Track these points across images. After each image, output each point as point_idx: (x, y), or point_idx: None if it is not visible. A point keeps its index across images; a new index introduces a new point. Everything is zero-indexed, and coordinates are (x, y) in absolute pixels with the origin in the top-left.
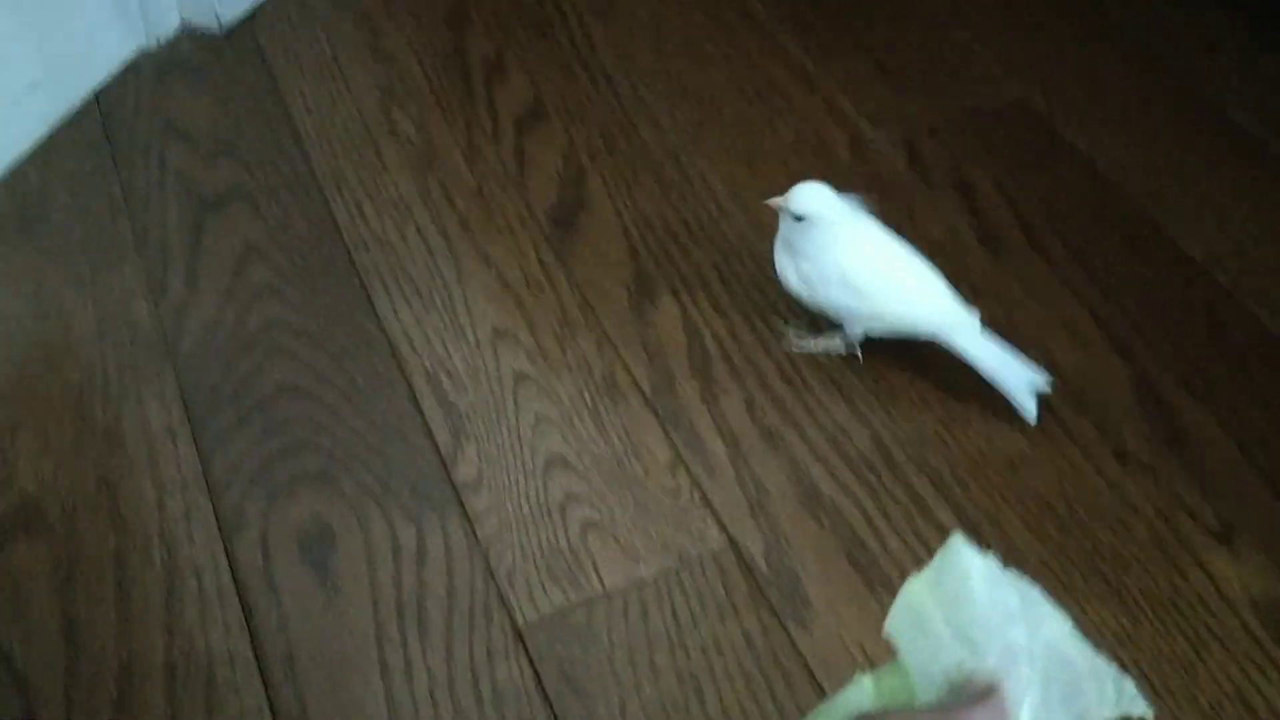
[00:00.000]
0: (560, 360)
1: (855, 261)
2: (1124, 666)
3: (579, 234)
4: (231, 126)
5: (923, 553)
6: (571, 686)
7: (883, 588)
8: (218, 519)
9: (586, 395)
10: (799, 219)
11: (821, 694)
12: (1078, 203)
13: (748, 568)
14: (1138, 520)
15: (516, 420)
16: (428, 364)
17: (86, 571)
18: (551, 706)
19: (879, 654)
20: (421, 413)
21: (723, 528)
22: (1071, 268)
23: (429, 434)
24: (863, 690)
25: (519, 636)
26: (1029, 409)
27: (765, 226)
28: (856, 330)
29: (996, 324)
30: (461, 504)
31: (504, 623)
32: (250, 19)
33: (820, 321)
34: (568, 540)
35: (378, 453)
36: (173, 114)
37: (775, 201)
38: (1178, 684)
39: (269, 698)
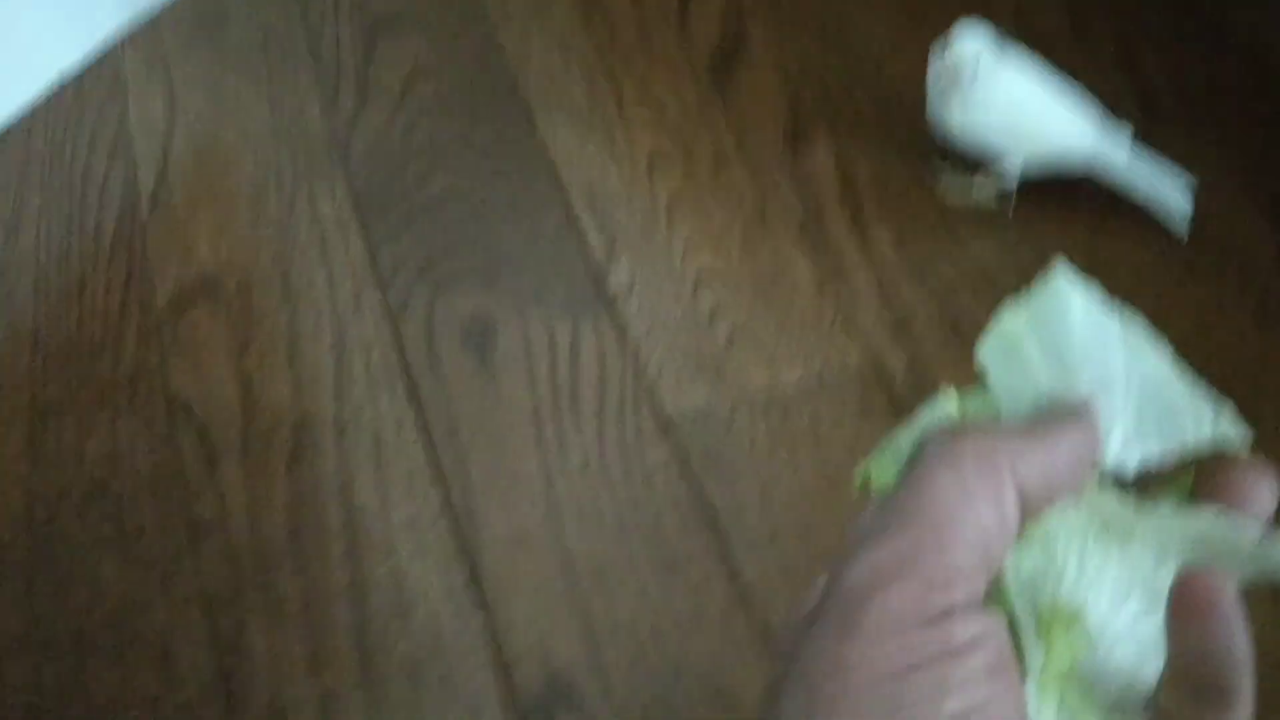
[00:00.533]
0: (714, 187)
1: (1015, 92)
2: None
3: (738, 74)
4: None
5: None
6: (716, 471)
7: None
8: (386, 304)
9: (739, 220)
10: (957, 58)
11: None
12: (1237, 80)
13: (888, 382)
14: (1271, 378)
15: (669, 236)
16: (586, 180)
17: (261, 340)
18: (699, 485)
19: None
20: (578, 225)
21: (866, 346)
22: (1227, 134)
23: (584, 244)
24: (948, 402)
25: (666, 425)
26: (1179, 223)
27: (924, 76)
28: (1013, 168)
29: None
30: (614, 307)
31: (652, 412)
32: None
33: (974, 166)
34: (714, 345)
35: (536, 258)
36: None
37: (958, 54)
38: None
39: (434, 459)
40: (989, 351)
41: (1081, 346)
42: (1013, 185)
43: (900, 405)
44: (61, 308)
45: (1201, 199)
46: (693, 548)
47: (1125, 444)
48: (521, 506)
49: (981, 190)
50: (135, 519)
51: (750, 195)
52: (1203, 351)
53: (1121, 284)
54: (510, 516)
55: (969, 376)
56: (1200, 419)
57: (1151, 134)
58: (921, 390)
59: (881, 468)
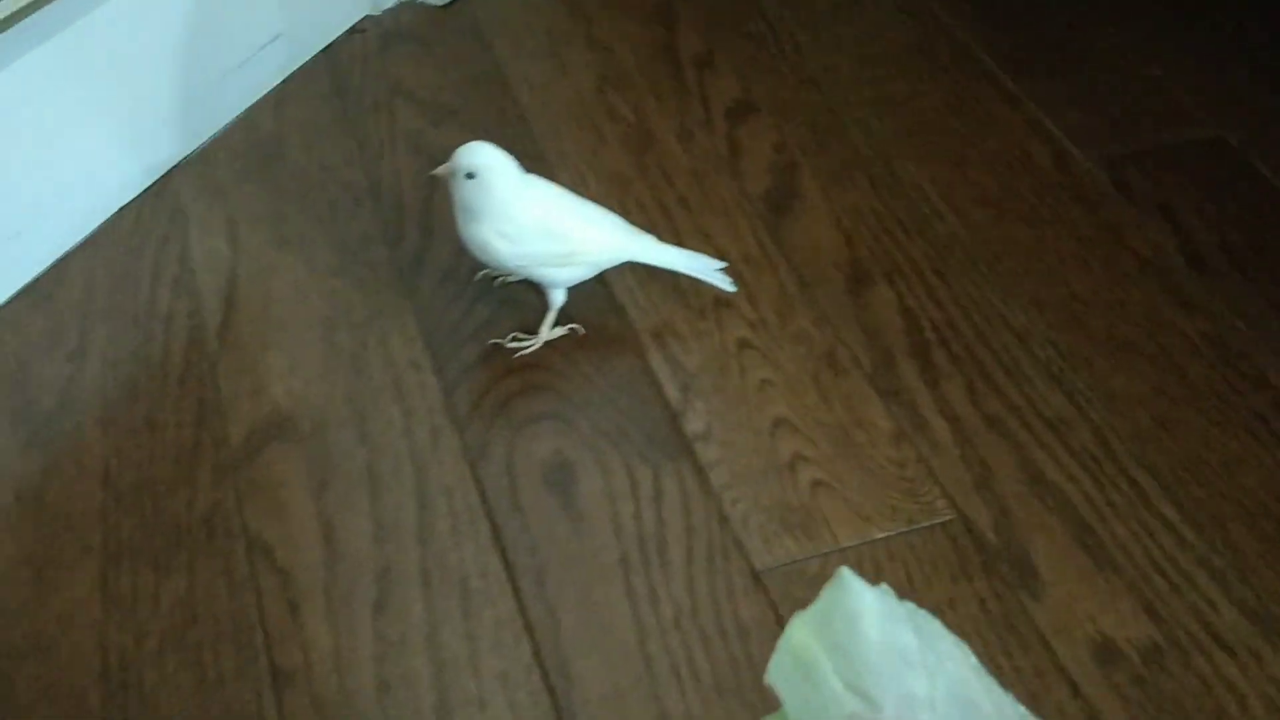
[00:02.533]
0: (781, 332)
1: (549, 207)
2: None
3: (793, 220)
4: (455, 93)
5: (1150, 544)
6: None
7: (1113, 571)
8: (464, 445)
9: (809, 366)
10: (470, 176)
11: (1055, 660)
12: (1278, 234)
13: (977, 539)
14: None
15: (742, 382)
16: (653, 325)
17: (340, 481)
18: None
19: (1110, 627)
20: (650, 369)
21: (950, 500)
22: (1277, 291)
23: (658, 387)
24: None
25: (757, 578)
26: (726, 285)
27: (979, 228)
28: (559, 288)
29: (1207, 340)
30: (693, 453)
31: (741, 565)
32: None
33: (525, 315)
34: (798, 496)
35: (610, 401)
36: (399, 77)
37: (443, 169)
38: None
39: (521, 609)
40: (780, 671)
41: (878, 663)
42: (562, 304)
43: (991, 564)
44: (131, 443)
45: (1251, 345)
46: None
47: None
48: (615, 662)
49: (548, 330)
50: (216, 668)
51: (818, 340)
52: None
53: (1190, 445)
54: (604, 673)
55: (1054, 533)
56: None
57: (1197, 286)
58: (1011, 547)
59: None
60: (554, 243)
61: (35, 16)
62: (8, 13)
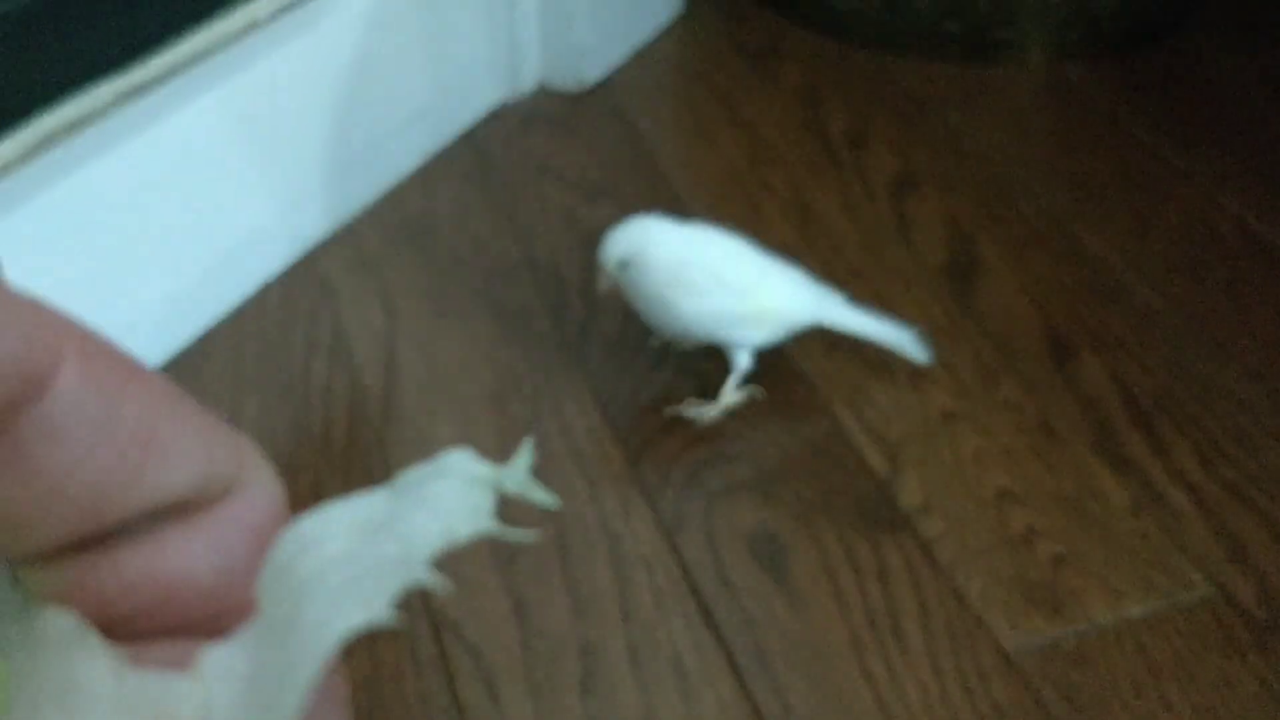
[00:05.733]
0: (988, 402)
1: (724, 258)
2: None
3: (978, 290)
4: (603, 172)
5: None
6: (1080, 712)
7: None
8: (658, 517)
9: (1024, 437)
10: (625, 267)
11: None
12: None
13: (1242, 613)
14: None
15: (955, 453)
16: (845, 394)
17: (529, 554)
18: None
19: None
20: (850, 439)
21: (1206, 573)
22: None
23: (861, 458)
24: None
25: (1008, 659)
26: (920, 354)
27: (1177, 297)
28: (744, 352)
29: None
30: (913, 526)
31: (989, 644)
32: (607, 82)
33: (703, 382)
34: (1039, 571)
35: (812, 472)
36: (543, 157)
37: (604, 280)
38: None
39: (746, 691)
40: None
41: None
42: (747, 369)
43: (1264, 639)
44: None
45: None
46: None
47: None
48: None
49: (730, 397)
50: None
51: (1029, 409)
52: None
53: None
54: None
55: None
56: None
57: None
58: None
59: None
60: (733, 297)
61: (178, 81)
62: (151, 75)
